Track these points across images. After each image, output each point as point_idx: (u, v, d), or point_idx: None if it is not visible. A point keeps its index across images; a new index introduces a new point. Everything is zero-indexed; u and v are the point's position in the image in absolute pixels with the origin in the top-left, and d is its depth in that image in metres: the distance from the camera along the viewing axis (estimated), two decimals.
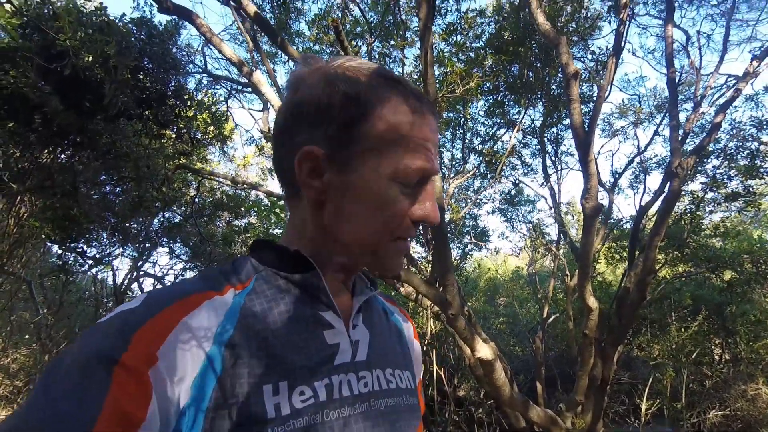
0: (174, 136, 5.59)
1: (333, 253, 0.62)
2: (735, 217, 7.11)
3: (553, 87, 6.19)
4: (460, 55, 5.72)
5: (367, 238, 0.60)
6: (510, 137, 6.56)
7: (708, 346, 6.12)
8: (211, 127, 6.14)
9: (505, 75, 5.87)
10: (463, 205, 7.12)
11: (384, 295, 0.83)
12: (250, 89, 5.90)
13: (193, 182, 6.52)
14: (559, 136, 7.33)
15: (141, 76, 5.09)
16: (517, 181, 7.63)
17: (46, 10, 4.42)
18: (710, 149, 5.86)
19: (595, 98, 6.14)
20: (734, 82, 5.71)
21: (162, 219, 6.58)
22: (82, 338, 0.47)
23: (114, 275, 7.18)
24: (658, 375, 5.73)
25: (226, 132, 6.52)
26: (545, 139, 7.12)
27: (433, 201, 0.60)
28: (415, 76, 6.16)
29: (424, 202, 0.60)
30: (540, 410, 5.18)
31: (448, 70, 5.07)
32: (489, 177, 7.16)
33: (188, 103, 5.55)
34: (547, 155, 7.29)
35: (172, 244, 7.22)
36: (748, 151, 5.77)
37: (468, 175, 6.80)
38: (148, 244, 7.16)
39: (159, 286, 7.85)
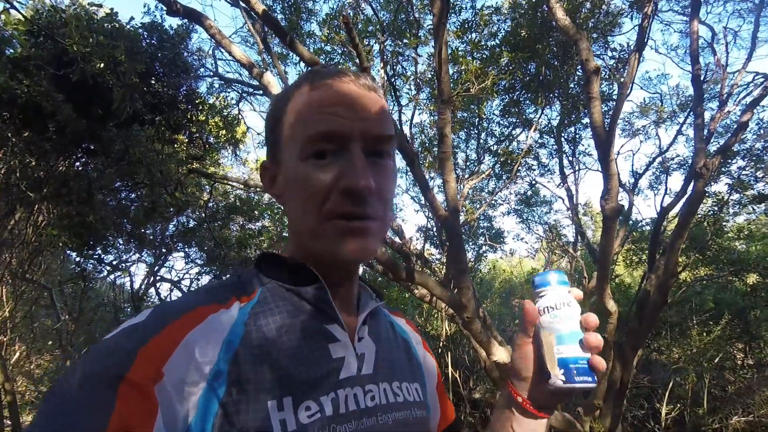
0: (186, 140, 5.58)
1: (306, 251, 0.62)
2: (760, 218, 6.92)
3: (572, 85, 6.02)
4: (475, 53, 5.58)
5: (303, 222, 0.59)
6: (526, 137, 6.44)
7: (730, 351, 6.00)
8: (223, 131, 6.12)
9: (521, 73, 5.72)
10: (478, 206, 7.02)
11: (389, 307, 0.82)
12: (261, 92, 5.85)
13: (206, 186, 6.52)
14: (577, 136, 7.17)
15: (152, 81, 5.07)
16: (533, 182, 7.52)
17: (57, 18, 4.40)
18: (736, 149, 5.67)
19: (615, 97, 5.98)
20: (762, 80, 5.50)
21: (177, 224, 6.60)
22: (87, 355, 0.47)
23: (131, 281, 7.28)
24: (678, 379, 5.63)
25: (238, 135, 6.50)
26: (562, 138, 6.96)
27: (356, 167, 0.55)
28: (429, 75, 6.04)
29: (348, 170, 0.56)
30: (558, 414, 5.14)
31: (463, 68, 4.95)
32: (504, 178, 7.04)
33: (200, 107, 5.53)
34: (564, 155, 7.14)
35: (187, 249, 7.27)
36: None
37: (483, 175, 6.69)
38: (164, 249, 7.21)
39: (175, 290, 7.94)
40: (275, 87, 3.95)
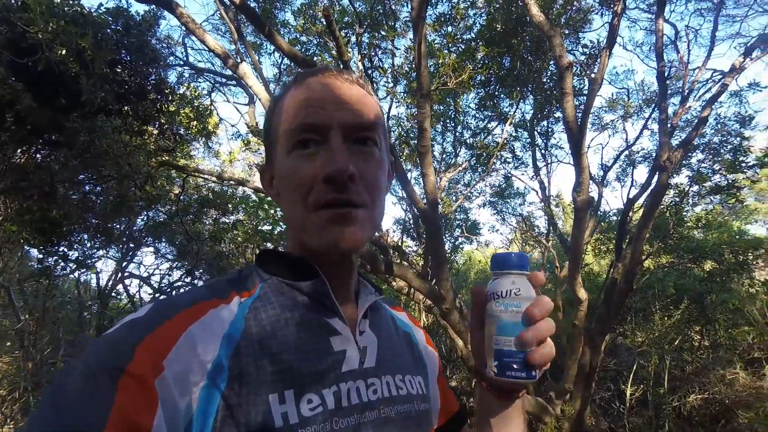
0: (156, 132, 5.36)
1: (301, 244, 0.63)
2: (716, 208, 7.33)
3: (545, 80, 6.16)
4: (451, 47, 5.61)
5: (293, 216, 0.61)
6: (502, 131, 6.55)
7: (689, 334, 6.36)
8: (195, 122, 5.91)
9: (497, 68, 5.80)
10: (455, 198, 7.11)
11: (390, 301, 0.83)
12: (234, 82, 5.68)
13: (177, 179, 6.30)
14: (550, 130, 7.36)
15: (119, 70, 4.83)
16: (508, 174, 7.68)
17: (13, 1, 4.11)
18: (696, 143, 5.97)
19: (586, 92, 6.17)
20: (720, 77, 5.79)
21: (146, 218, 6.35)
22: (88, 349, 0.47)
23: (98, 277, 6.96)
24: (642, 362, 5.93)
25: (210, 127, 6.29)
26: (536, 132, 7.13)
27: (336, 155, 0.57)
28: (407, 68, 6.04)
29: (329, 159, 0.57)
30: (531, 398, 5.32)
31: (440, 61, 4.97)
32: (480, 170, 7.16)
33: (170, 98, 5.31)
34: (537, 148, 7.33)
35: (157, 244, 7.01)
36: (731, 146, 5.91)
37: (459, 168, 6.77)
38: (131, 245, 6.93)
39: (145, 286, 7.67)
40: (251, 78, 3.86)
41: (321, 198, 0.57)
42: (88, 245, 5.78)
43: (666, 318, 6.02)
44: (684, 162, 6.13)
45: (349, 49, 5.69)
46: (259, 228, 6.66)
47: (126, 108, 4.94)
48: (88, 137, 4.77)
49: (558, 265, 6.79)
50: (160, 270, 7.86)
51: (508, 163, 7.61)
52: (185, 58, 5.62)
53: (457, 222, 7.26)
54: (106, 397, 0.41)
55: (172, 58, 5.63)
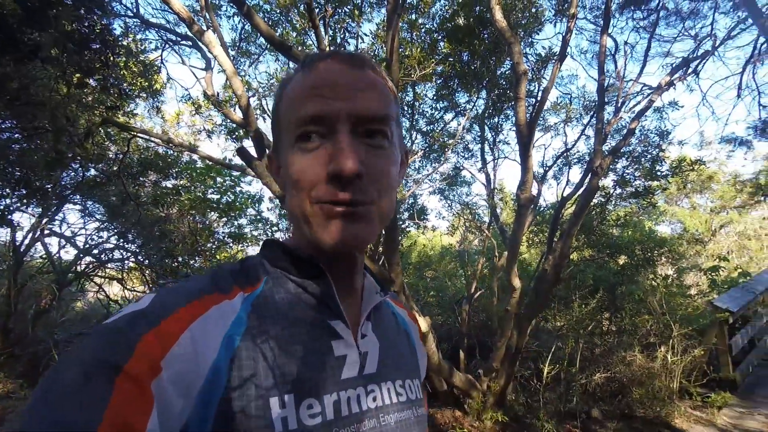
0: (97, 86, 4.95)
1: (305, 239, 0.60)
2: (632, 207, 8.20)
3: (502, 81, 6.46)
4: (415, 36, 5.71)
5: (295, 207, 0.57)
6: (457, 123, 6.79)
7: (601, 320, 7.11)
8: (140, 79, 5.51)
9: (458, 65, 5.99)
10: (408, 185, 7.29)
11: (394, 297, 0.81)
12: (190, 43, 5.35)
13: (114, 137, 5.85)
14: (499, 126, 7.74)
15: (56, 12, 4.38)
16: (459, 165, 8.00)
17: None
18: (622, 151, 6.61)
19: (535, 94, 6.56)
20: (649, 92, 6.43)
21: (79, 175, 5.82)
22: (86, 341, 0.45)
23: (13, 233, 6.32)
24: (559, 344, 6.55)
25: (157, 85, 5.88)
26: (486, 126, 7.48)
27: (342, 151, 0.53)
28: (372, 54, 6.04)
29: (334, 154, 0.54)
30: (462, 375, 5.67)
31: (407, 53, 5.06)
32: (432, 159, 7.39)
33: (116, 50, 4.92)
34: (486, 142, 7.71)
35: (86, 202, 6.47)
36: (650, 156, 6.64)
37: (415, 156, 6.94)
38: (54, 200, 6.35)
39: (69, 246, 7.08)
40: (217, 47, 3.70)
41: (324, 195, 0.54)
42: (8, 200, 5.22)
43: (584, 306, 6.67)
44: (611, 167, 6.77)
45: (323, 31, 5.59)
46: (209, 195, 6.44)
47: (65, 56, 4.52)
48: (20, 84, 4.32)
49: (497, 254, 7.26)
50: (87, 230, 7.30)
51: (459, 154, 7.97)
52: (135, 9, 5.19)
53: (406, 206, 7.48)
54: (102, 396, 0.40)
55: (119, 6, 5.18)
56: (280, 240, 0.66)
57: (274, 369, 0.51)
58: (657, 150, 6.70)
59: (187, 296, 0.52)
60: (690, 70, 6.46)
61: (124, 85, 5.31)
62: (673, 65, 6.23)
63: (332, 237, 0.54)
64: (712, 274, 7.40)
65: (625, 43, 7.08)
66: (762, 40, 6.36)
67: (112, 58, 4.81)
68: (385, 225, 0.60)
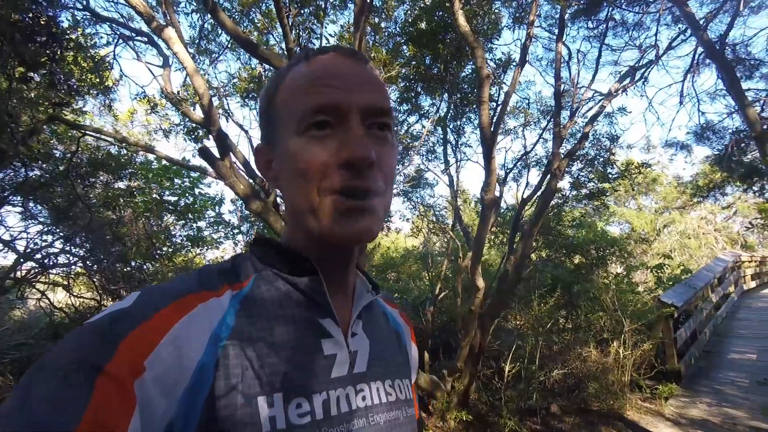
0: (43, 81, 4.64)
1: (306, 234, 0.59)
2: (586, 208, 8.60)
3: (465, 85, 6.60)
4: (379, 40, 5.74)
5: (301, 200, 0.56)
6: (421, 126, 6.86)
7: (558, 318, 7.38)
8: (90, 75, 5.21)
9: (422, 67, 6.07)
10: None
11: (386, 296, 0.80)
12: (145, 39, 5.10)
13: (61, 135, 5.49)
14: (461, 128, 7.90)
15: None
16: (423, 167, 8.11)
17: None
18: (577, 154, 6.92)
19: (496, 98, 6.74)
20: (600, 99, 6.78)
21: (15, 174, 5.40)
22: (67, 339, 0.44)
23: None
24: (520, 343, 6.74)
25: (108, 82, 5.58)
26: (448, 129, 7.61)
27: (357, 138, 0.54)
28: None
29: (347, 141, 0.54)
30: (426, 376, 5.72)
31: (373, 55, 5.08)
32: (397, 161, 7.38)
33: (65, 44, 4.64)
34: (449, 144, 7.85)
35: (27, 204, 6.01)
36: (602, 159, 6.99)
37: None
38: None
39: (7, 251, 6.57)
40: (177, 44, 3.56)
41: (337, 184, 0.53)
42: None
43: (543, 304, 6.90)
44: (567, 170, 7.06)
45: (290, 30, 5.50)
46: (165, 197, 6.13)
47: (7, 48, 4.21)
48: None
49: (461, 255, 7.39)
50: (28, 233, 6.79)
51: (423, 155, 8.08)
52: (85, 1, 4.89)
53: None
54: (82, 397, 0.39)
55: None
56: (270, 238, 0.64)
57: (263, 368, 0.50)
58: (608, 153, 7.05)
59: (172, 295, 0.50)
60: (637, 78, 6.86)
61: (73, 80, 5.00)
62: (621, 73, 6.59)
63: (344, 230, 0.54)
64: (658, 271, 7.83)
65: (578, 51, 7.45)
66: (700, 50, 6.85)
67: (59, 52, 4.52)
68: (386, 216, 0.61)
